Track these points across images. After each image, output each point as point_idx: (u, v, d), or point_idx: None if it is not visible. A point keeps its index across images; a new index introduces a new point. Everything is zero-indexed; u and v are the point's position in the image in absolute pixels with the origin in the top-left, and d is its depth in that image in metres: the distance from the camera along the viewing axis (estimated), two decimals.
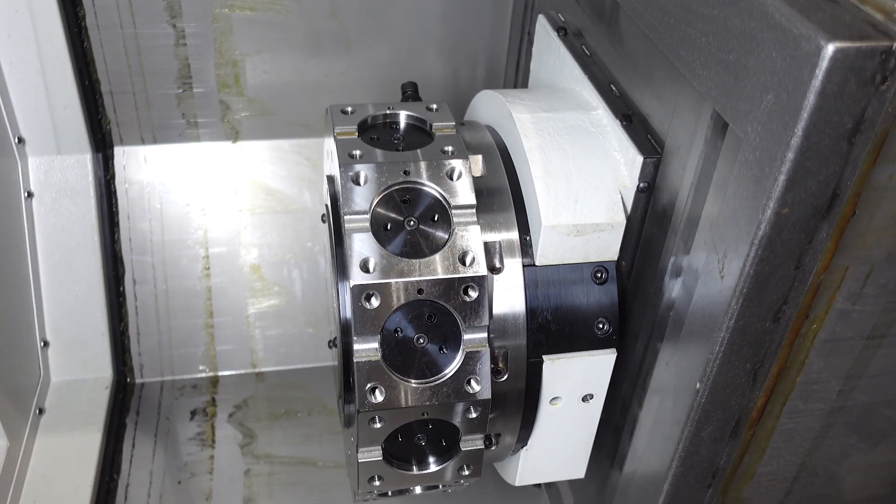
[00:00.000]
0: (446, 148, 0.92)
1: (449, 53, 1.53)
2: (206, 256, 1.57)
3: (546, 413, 0.99)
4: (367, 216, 0.86)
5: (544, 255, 0.93)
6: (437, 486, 1.01)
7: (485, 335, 0.89)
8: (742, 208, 0.70)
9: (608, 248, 0.94)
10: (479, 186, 0.95)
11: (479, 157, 0.98)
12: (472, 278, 0.86)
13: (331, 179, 0.97)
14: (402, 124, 0.98)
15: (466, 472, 0.98)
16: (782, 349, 0.79)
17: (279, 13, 1.43)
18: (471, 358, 0.89)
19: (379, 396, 0.87)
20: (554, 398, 0.98)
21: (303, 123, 1.55)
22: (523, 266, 0.94)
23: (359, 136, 0.93)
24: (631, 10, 0.89)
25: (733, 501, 0.97)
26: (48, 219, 1.48)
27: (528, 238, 0.94)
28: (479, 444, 0.95)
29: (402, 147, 0.93)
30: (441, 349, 0.89)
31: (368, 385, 0.87)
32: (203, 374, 1.62)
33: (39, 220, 1.47)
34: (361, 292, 0.84)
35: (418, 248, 0.87)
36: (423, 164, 0.90)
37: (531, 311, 0.94)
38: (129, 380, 1.60)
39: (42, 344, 1.50)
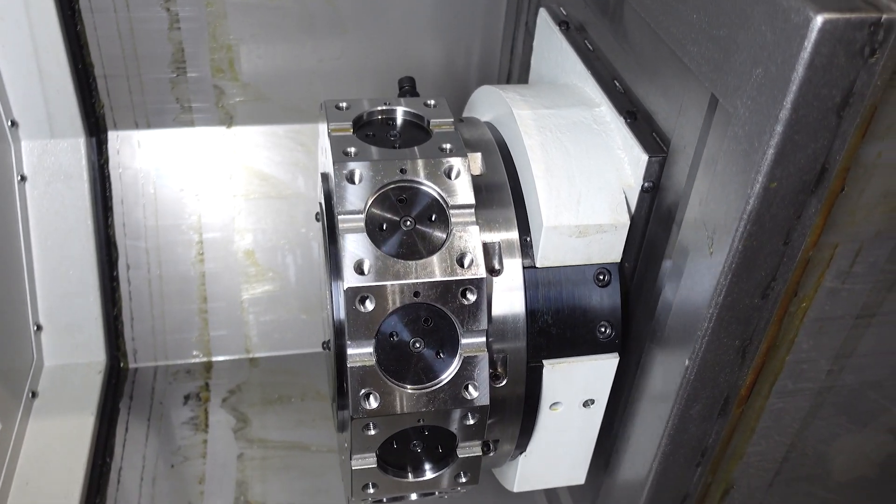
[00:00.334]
0: (444, 145, 0.89)
1: (443, 38, 1.53)
2: (200, 242, 1.57)
3: (546, 419, 0.97)
4: (362, 216, 0.83)
5: (545, 256, 0.90)
6: (433, 493, 0.99)
7: (483, 339, 0.86)
8: (731, 183, 0.70)
9: (611, 249, 0.91)
10: (479, 185, 0.92)
11: (479, 154, 0.95)
12: (471, 281, 0.83)
13: (325, 177, 0.95)
14: (399, 120, 0.95)
15: (463, 480, 0.95)
16: (771, 326, 0.80)
17: None
18: (468, 363, 0.86)
19: (373, 402, 0.84)
20: (554, 403, 0.96)
21: (297, 109, 1.55)
22: (523, 267, 0.91)
23: (354, 132, 0.90)
24: None
25: (723, 481, 0.98)
26: (41, 203, 1.47)
27: (528, 239, 0.91)
28: (477, 451, 0.93)
29: (399, 144, 0.90)
30: (438, 354, 0.86)
31: (362, 391, 0.84)
32: (197, 360, 1.62)
33: (33, 204, 1.47)
34: (355, 295, 0.81)
35: (415, 249, 0.84)
36: (420, 163, 0.87)
37: (531, 314, 0.91)
38: (122, 364, 1.60)
39: (35, 328, 1.50)
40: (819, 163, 0.67)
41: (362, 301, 0.82)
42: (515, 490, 1.07)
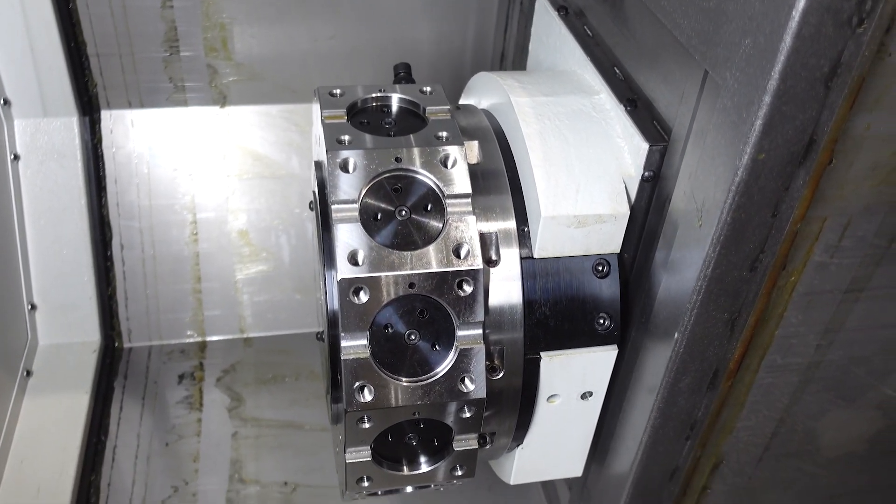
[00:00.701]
0: (440, 133, 0.87)
1: (437, 18, 1.53)
2: (194, 222, 1.57)
3: (543, 411, 0.96)
4: (356, 205, 0.82)
5: (543, 247, 0.89)
6: (428, 486, 0.98)
7: (479, 331, 0.85)
8: (720, 156, 0.71)
9: (610, 240, 0.90)
10: (476, 174, 0.91)
11: (475, 143, 0.94)
12: (467, 272, 0.82)
13: (318, 165, 0.93)
14: (394, 108, 0.92)
15: (459, 473, 0.94)
16: (759, 299, 0.80)
17: None
18: (465, 355, 0.84)
19: (367, 396, 0.83)
20: (552, 396, 0.95)
21: (291, 89, 1.55)
22: (521, 258, 0.89)
23: (348, 120, 0.88)
24: None
25: (712, 455, 0.98)
26: (35, 182, 1.47)
27: (526, 229, 0.90)
28: (473, 444, 0.91)
29: (394, 132, 0.88)
30: (433, 346, 0.84)
31: (357, 384, 0.83)
32: (191, 339, 1.62)
33: (26, 183, 1.47)
34: (349, 286, 0.80)
35: (410, 239, 0.82)
36: (415, 151, 0.85)
37: (529, 305, 0.90)
38: (116, 344, 1.60)
39: (29, 307, 1.50)
40: (807, 134, 0.67)
41: (356, 292, 0.80)
42: (512, 483, 1.07)
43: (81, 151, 1.49)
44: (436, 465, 0.92)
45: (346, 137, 0.85)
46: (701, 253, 0.75)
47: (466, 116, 1.00)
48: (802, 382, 0.93)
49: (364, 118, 0.90)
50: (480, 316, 0.84)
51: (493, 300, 0.89)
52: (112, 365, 1.57)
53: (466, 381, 0.85)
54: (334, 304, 0.83)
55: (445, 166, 0.85)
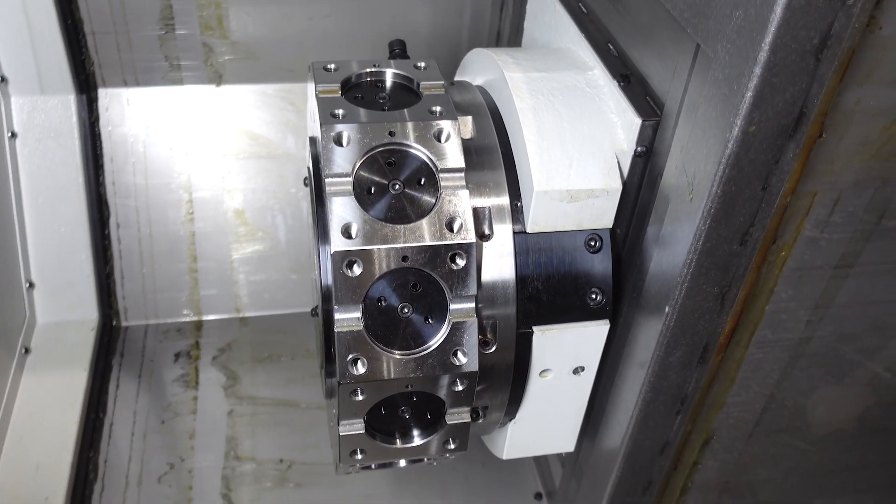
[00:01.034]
0: (434, 108, 0.87)
1: None
2: (190, 201, 1.58)
3: (535, 386, 0.97)
4: (350, 179, 0.82)
5: (536, 221, 0.89)
6: (421, 460, 0.99)
7: (472, 305, 0.85)
8: (711, 128, 0.71)
9: (603, 215, 0.90)
10: (469, 149, 0.91)
11: (469, 118, 0.94)
12: (460, 245, 0.82)
13: (313, 140, 0.93)
14: (388, 83, 0.93)
15: (452, 446, 0.95)
16: (749, 274, 0.81)
17: None
18: (457, 329, 0.85)
19: (361, 368, 0.83)
20: (544, 370, 0.96)
21: (287, 68, 1.55)
22: (514, 233, 0.90)
23: (342, 94, 0.88)
24: None
25: (703, 431, 0.99)
26: (32, 160, 1.48)
27: (519, 204, 0.90)
28: (466, 418, 0.92)
29: (388, 107, 0.88)
30: (426, 319, 0.85)
31: (350, 356, 0.83)
32: (187, 318, 1.63)
33: (23, 161, 1.47)
34: (343, 259, 0.80)
35: (403, 213, 0.82)
36: (409, 125, 0.85)
37: (521, 280, 0.90)
38: (114, 322, 1.61)
39: (27, 285, 1.51)
40: (797, 107, 0.67)
41: (350, 265, 0.81)
42: (504, 457, 1.07)
43: (79, 130, 1.49)
44: (429, 439, 0.93)
45: (340, 111, 0.85)
46: (692, 227, 0.75)
47: (461, 92, 1.01)
48: (792, 358, 0.94)
49: (358, 93, 0.90)
50: (473, 289, 0.84)
51: (486, 274, 0.89)
52: (110, 343, 1.57)
53: (459, 354, 0.86)
54: (328, 277, 0.84)
55: (439, 140, 0.85)
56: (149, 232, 1.57)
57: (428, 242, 0.82)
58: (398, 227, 0.82)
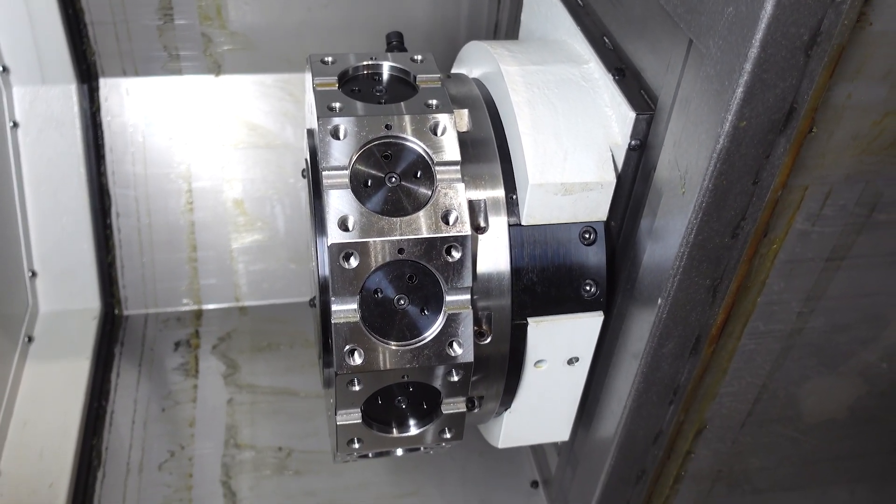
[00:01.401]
0: (430, 101, 0.87)
1: None
2: (189, 190, 1.59)
3: (530, 376, 0.98)
4: (347, 172, 0.82)
5: (531, 214, 0.90)
6: (418, 449, 1.00)
7: (468, 297, 0.86)
8: (703, 123, 0.72)
9: (597, 207, 0.91)
10: (465, 142, 0.92)
11: (465, 111, 0.95)
12: (455, 238, 0.83)
13: (310, 133, 0.94)
14: (385, 76, 0.93)
15: (448, 435, 0.96)
16: (741, 266, 0.82)
17: None
18: (453, 320, 0.86)
19: (357, 359, 0.84)
20: (538, 361, 0.96)
21: (285, 58, 1.55)
22: (509, 225, 0.90)
23: (339, 87, 0.89)
24: None
25: (696, 421, 1.01)
26: (34, 150, 1.48)
27: (514, 196, 0.91)
28: (461, 408, 0.93)
29: (385, 100, 0.88)
30: (422, 311, 0.85)
31: (347, 347, 0.84)
32: (187, 308, 1.64)
33: (25, 151, 1.48)
34: (340, 251, 0.81)
35: (399, 205, 0.83)
36: (406, 118, 0.85)
37: (516, 271, 0.91)
38: (116, 311, 1.62)
39: (30, 274, 1.52)
40: (787, 102, 0.68)
41: (346, 257, 0.82)
42: (500, 446, 1.09)
43: (80, 119, 1.50)
44: (425, 428, 0.94)
45: (337, 105, 0.86)
46: (684, 220, 0.76)
47: (457, 85, 1.01)
48: (784, 349, 0.95)
49: (355, 86, 0.91)
50: (468, 281, 0.85)
51: (482, 266, 0.90)
52: (112, 332, 1.59)
53: (454, 345, 0.87)
54: (325, 269, 0.85)
55: (435, 134, 0.86)
56: (148, 221, 1.58)
57: (424, 235, 0.83)
58: (394, 219, 0.82)
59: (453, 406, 0.93)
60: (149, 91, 1.55)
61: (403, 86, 0.92)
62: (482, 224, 0.90)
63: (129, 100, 1.54)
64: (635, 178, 0.89)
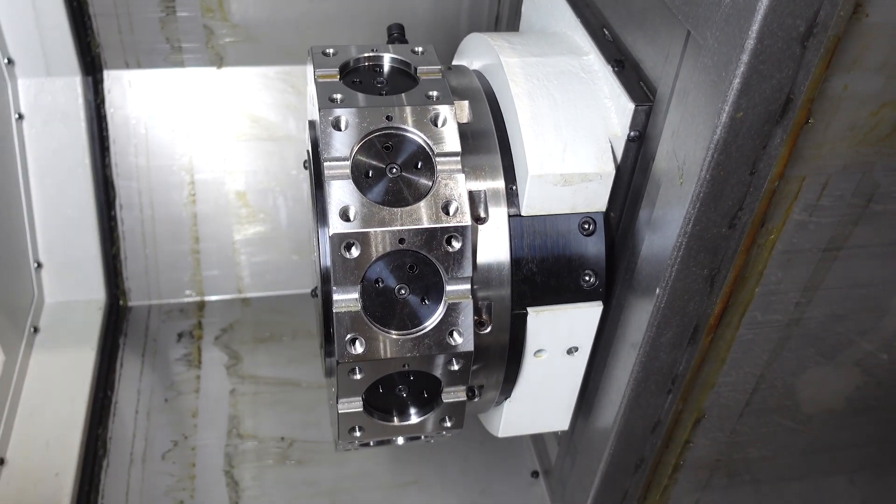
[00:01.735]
0: (431, 93, 0.88)
1: None
2: (192, 183, 1.59)
3: (530, 365, 0.98)
4: (348, 163, 0.83)
5: (531, 204, 0.90)
6: (418, 438, 1.01)
7: (468, 286, 0.87)
8: (700, 114, 0.72)
9: (596, 198, 0.91)
10: (465, 133, 0.92)
11: (466, 102, 0.95)
12: (456, 228, 0.84)
13: (312, 125, 0.94)
14: (386, 67, 0.94)
15: (448, 424, 0.96)
16: (738, 256, 0.82)
17: None
18: (453, 309, 0.87)
19: (359, 348, 0.85)
20: (538, 350, 0.97)
21: (288, 50, 1.56)
22: (509, 216, 0.91)
23: (340, 79, 0.90)
24: None
25: (694, 410, 1.01)
26: (39, 142, 1.49)
27: (514, 187, 0.91)
28: (462, 397, 0.94)
29: (386, 91, 0.89)
30: (423, 300, 0.86)
31: (348, 336, 0.85)
32: (189, 299, 1.65)
33: (30, 143, 1.49)
34: (341, 241, 0.82)
35: (400, 196, 0.84)
36: (406, 110, 0.86)
37: (516, 262, 0.92)
38: (121, 302, 1.63)
39: (36, 265, 1.53)
40: (784, 93, 0.68)
41: (348, 247, 0.82)
42: (500, 435, 1.09)
43: (85, 111, 1.51)
44: (425, 417, 0.95)
45: (339, 96, 0.87)
46: (682, 210, 0.77)
47: (458, 76, 1.02)
48: (782, 339, 0.96)
49: (356, 77, 0.91)
50: (468, 271, 0.86)
51: (482, 256, 0.91)
52: (117, 323, 1.60)
53: (455, 334, 0.87)
54: (327, 259, 0.85)
55: (436, 125, 0.86)
56: (151, 213, 1.59)
57: (424, 225, 0.83)
58: (395, 210, 0.83)
59: (454, 395, 0.94)
60: (151, 83, 1.55)
61: (404, 77, 0.93)
62: (482, 214, 0.91)
63: (131, 92, 1.55)
64: (634, 168, 0.90)
